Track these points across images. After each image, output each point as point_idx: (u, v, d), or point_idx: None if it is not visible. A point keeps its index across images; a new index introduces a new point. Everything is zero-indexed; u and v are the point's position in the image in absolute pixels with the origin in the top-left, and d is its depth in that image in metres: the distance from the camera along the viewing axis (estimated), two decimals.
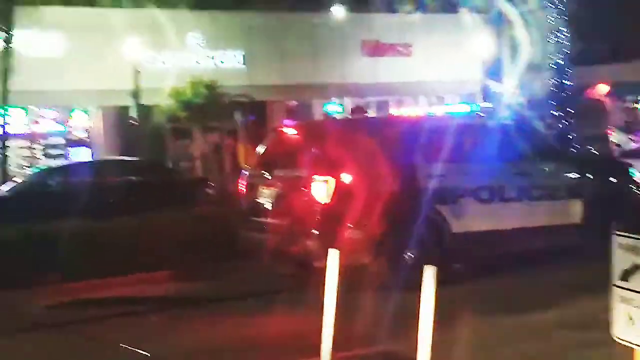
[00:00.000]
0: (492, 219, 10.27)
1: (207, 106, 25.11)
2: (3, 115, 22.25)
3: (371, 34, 30.56)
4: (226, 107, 25.76)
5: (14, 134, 24.74)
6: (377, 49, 30.75)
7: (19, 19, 22.36)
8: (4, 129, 22.43)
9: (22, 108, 25.45)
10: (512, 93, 29.12)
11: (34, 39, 24.83)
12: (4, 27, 21.88)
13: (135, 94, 24.32)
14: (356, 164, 9.58)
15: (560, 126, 24.71)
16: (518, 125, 14.12)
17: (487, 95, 29.56)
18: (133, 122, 24.73)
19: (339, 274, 6.38)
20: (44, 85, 24.62)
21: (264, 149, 11.24)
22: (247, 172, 11.51)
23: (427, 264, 5.21)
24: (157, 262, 11.19)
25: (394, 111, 30.50)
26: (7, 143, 23.00)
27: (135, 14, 26.28)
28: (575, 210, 10.91)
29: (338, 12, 31.07)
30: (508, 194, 10.48)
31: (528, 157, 10.77)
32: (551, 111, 25.17)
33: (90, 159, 25.26)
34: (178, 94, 25.34)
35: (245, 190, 11.14)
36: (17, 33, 22.45)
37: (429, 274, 5.09)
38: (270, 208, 10.24)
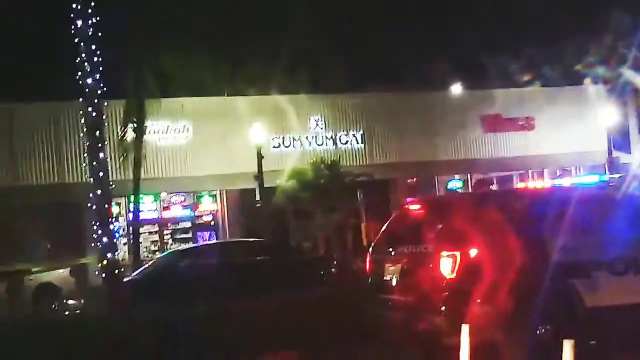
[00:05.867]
0: (629, 292, 9.82)
1: (329, 186, 25.39)
2: (137, 203, 23.08)
3: (491, 109, 30.41)
4: (348, 186, 25.98)
5: (145, 220, 25.70)
6: (497, 124, 30.55)
7: (149, 110, 23.39)
8: (138, 216, 23.23)
9: (153, 195, 26.44)
10: None
11: (163, 129, 25.97)
12: (135, 119, 22.85)
13: (259, 177, 24.86)
14: (483, 238, 9.39)
15: None
16: None
17: (613, 165, 28.72)
18: (258, 203, 25.23)
19: (470, 351, 6.22)
20: (173, 172, 25.67)
21: (388, 226, 11.22)
22: (371, 250, 11.48)
23: (562, 339, 5.00)
24: (285, 342, 11.20)
25: (518, 184, 30.00)
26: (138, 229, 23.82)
27: (258, 101, 27.19)
28: None
29: (456, 89, 31.13)
30: None
31: None
32: None
33: (217, 241, 25.87)
34: (299, 174, 25.77)
35: (370, 267, 11.11)
36: (147, 123, 23.47)
37: (568, 347, 4.91)
38: (396, 285, 10.14)
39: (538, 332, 9.21)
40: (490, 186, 28.97)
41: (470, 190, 29.65)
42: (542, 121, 30.88)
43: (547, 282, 9.16)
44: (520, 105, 31.06)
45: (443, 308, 9.22)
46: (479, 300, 9.07)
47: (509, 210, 9.85)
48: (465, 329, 6.19)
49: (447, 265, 9.25)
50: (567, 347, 4.91)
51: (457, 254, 9.23)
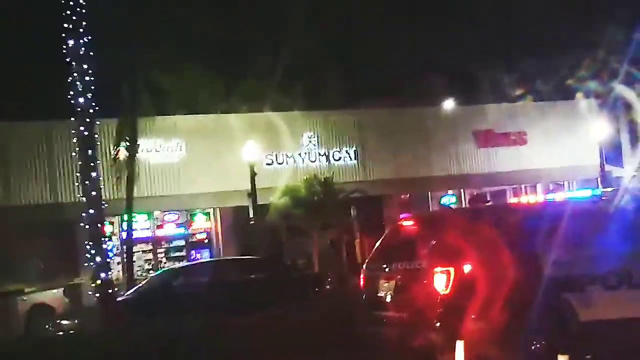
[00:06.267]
0: (623, 306, 9.82)
1: (322, 202, 25.36)
2: (130, 222, 22.99)
3: (484, 124, 30.48)
4: (341, 203, 25.95)
5: (139, 239, 25.60)
6: (490, 139, 30.59)
7: (141, 128, 23.35)
8: (131, 234, 23.14)
9: (146, 213, 26.37)
10: (633, 176, 28.27)
11: (156, 147, 25.92)
12: (128, 138, 22.81)
13: (252, 194, 24.81)
14: (477, 254, 9.39)
15: None
16: None
17: (606, 179, 28.78)
18: (252, 221, 25.18)
19: None
20: (167, 190, 25.58)
21: (382, 242, 11.22)
22: (365, 266, 11.47)
23: (556, 354, 4.99)
24: (280, 357, 11.17)
25: (511, 199, 30.04)
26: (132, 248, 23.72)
27: (251, 118, 27.17)
28: None
29: (449, 105, 31.21)
30: (637, 279, 10.02)
31: None
32: None
33: (211, 259, 25.80)
34: (293, 191, 25.74)
35: (364, 284, 11.09)
36: (140, 142, 23.42)
37: None
38: (390, 301, 10.13)
39: (532, 347, 9.20)
40: (486, 202, 28.93)
41: (463, 206, 29.62)
42: (535, 136, 30.94)
43: (541, 297, 9.16)
44: (513, 119, 31.12)
45: (437, 324, 9.21)
46: (473, 316, 9.06)
47: (502, 226, 9.87)
48: (459, 344, 6.18)
49: (441, 281, 9.25)
50: None
51: (451, 269, 9.23)
